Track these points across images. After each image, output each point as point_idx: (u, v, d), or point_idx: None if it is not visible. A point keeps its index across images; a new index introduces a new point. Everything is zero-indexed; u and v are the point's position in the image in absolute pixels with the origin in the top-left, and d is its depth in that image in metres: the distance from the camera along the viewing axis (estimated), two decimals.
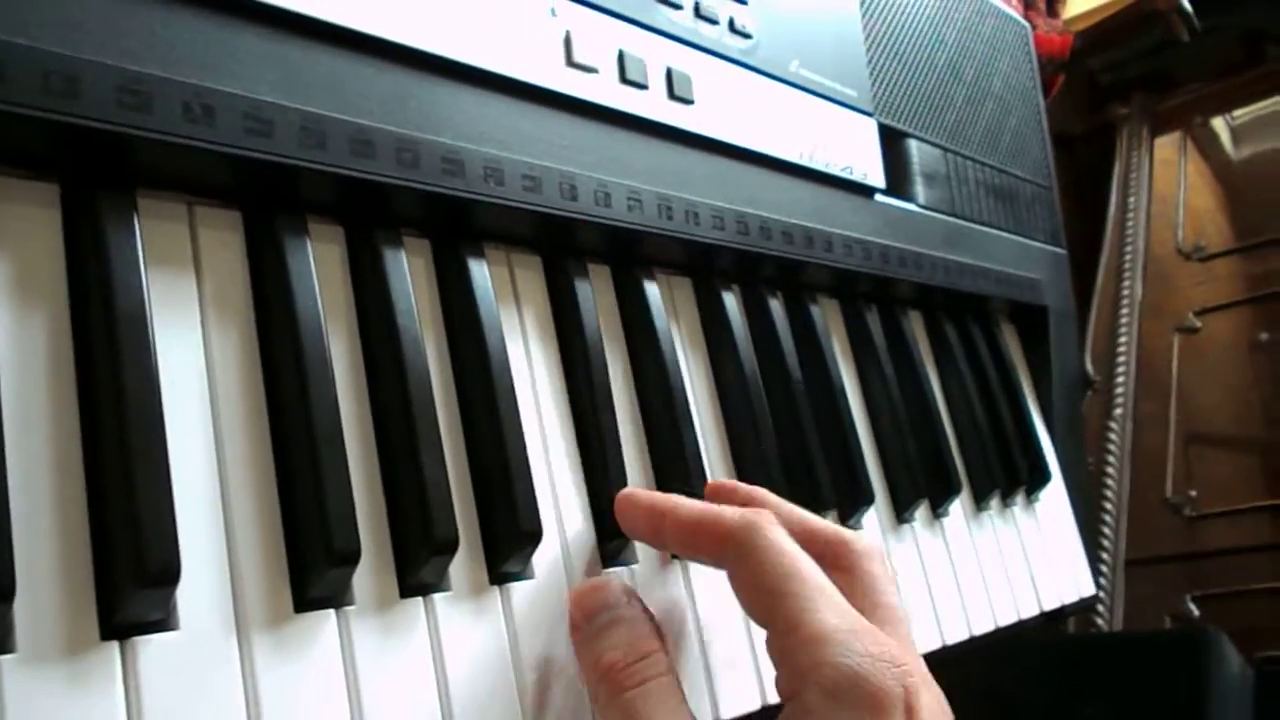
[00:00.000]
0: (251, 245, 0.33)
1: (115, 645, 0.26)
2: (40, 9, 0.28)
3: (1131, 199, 2.17)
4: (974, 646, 0.54)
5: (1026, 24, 0.82)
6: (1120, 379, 2.00)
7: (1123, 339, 2.03)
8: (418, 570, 0.32)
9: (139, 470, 0.26)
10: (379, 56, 0.35)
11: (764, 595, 0.33)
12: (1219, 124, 2.20)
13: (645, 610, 0.36)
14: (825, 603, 0.32)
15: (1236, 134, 2.20)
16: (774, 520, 0.35)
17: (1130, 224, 2.14)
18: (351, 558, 0.30)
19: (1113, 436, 1.96)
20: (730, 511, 0.36)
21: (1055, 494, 0.67)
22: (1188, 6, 1.34)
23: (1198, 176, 2.15)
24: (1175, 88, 2.20)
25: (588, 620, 0.35)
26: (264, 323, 0.32)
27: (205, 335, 0.31)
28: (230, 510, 0.29)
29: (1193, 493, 1.88)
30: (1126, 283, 2.07)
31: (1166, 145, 2.20)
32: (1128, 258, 2.10)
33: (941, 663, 0.49)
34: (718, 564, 0.36)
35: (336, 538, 0.29)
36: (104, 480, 0.27)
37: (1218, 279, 2.03)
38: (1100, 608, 1.86)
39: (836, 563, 0.36)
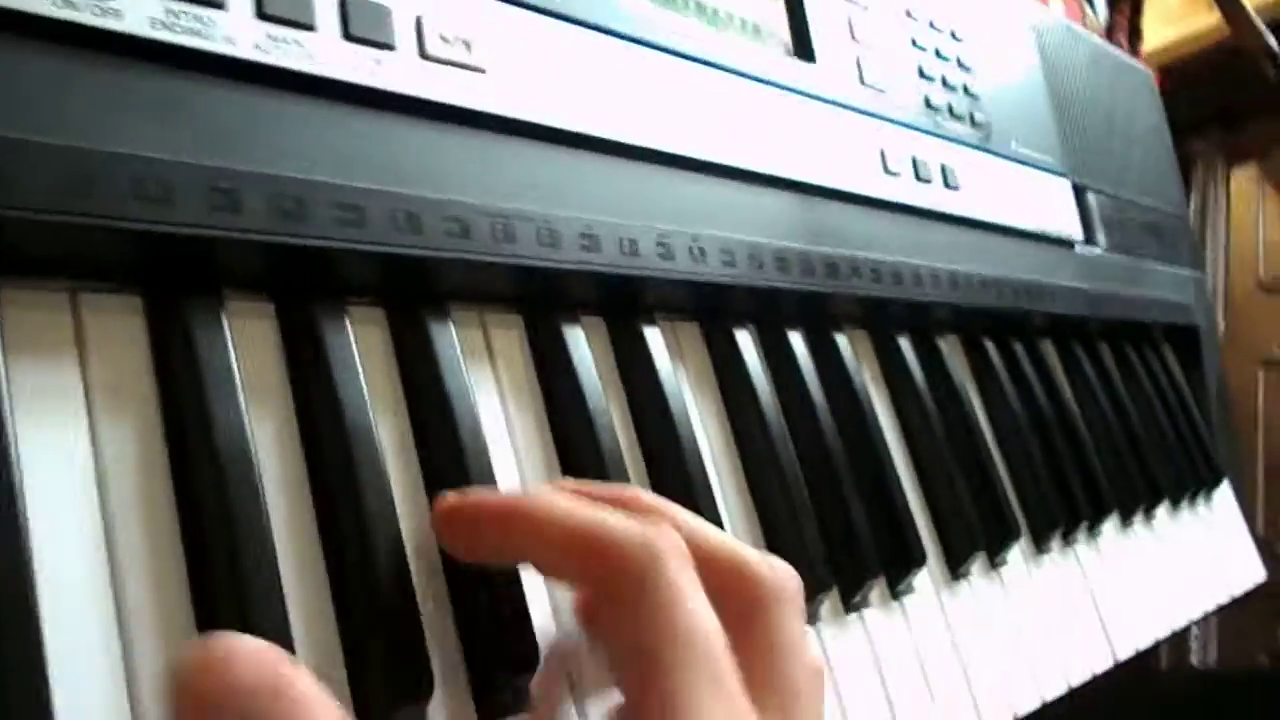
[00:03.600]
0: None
1: None
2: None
3: (1210, 232, 2.28)
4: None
5: (1147, 70, 0.97)
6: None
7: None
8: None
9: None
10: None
11: (640, 658, 0.28)
12: None
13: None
14: (712, 695, 0.27)
15: None
16: (682, 550, 0.30)
17: (1209, 258, 2.25)
18: None
19: (1245, 490, 2.05)
20: (627, 529, 0.29)
21: (1224, 492, 0.81)
22: (1276, 46, 1.47)
23: (1276, 209, 2.25)
24: (1250, 120, 2.31)
25: None
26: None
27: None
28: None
29: None
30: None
31: (1243, 178, 2.30)
32: (1210, 291, 2.21)
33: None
34: (584, 587, 0.33)
35: None
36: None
37: None
38: (1193, 643, 1.97)
39: (740, 605, 0.31)
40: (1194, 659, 1.90)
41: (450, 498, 0.32)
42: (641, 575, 0.28)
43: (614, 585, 0.29)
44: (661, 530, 0.30)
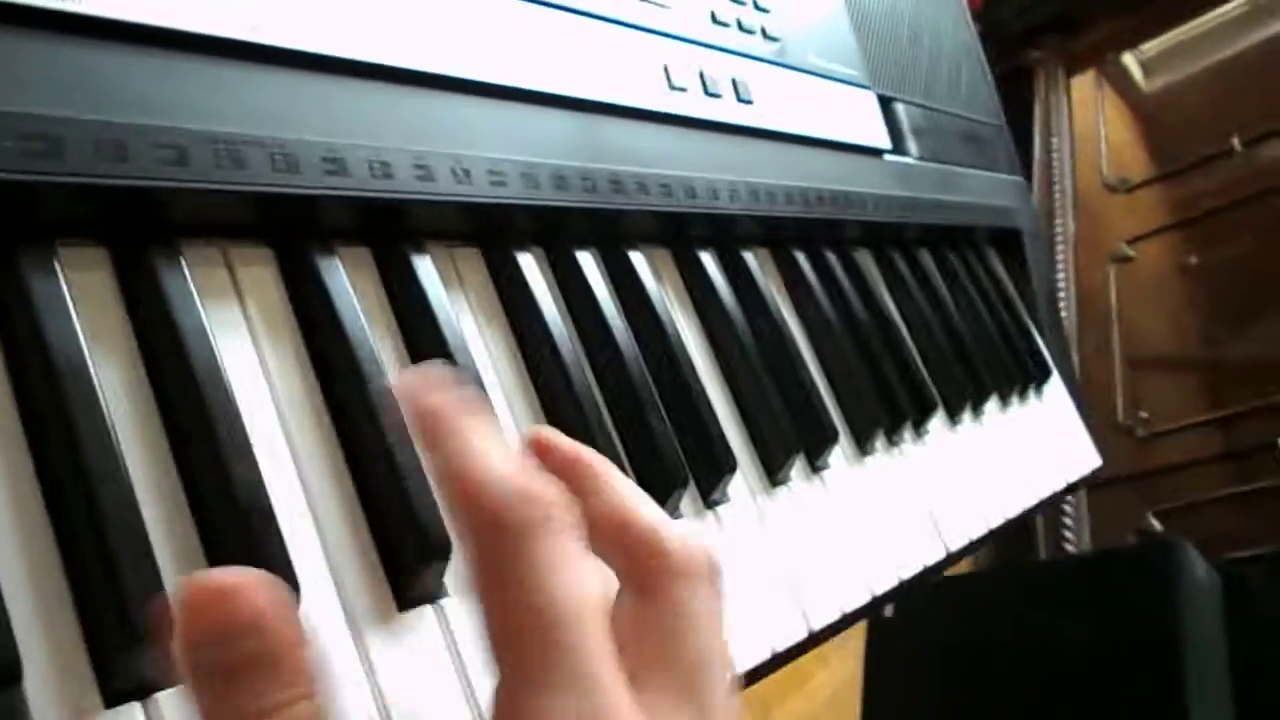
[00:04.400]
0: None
1: None
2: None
3: (1054, 139, 2.35)
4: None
5: None
6: (1062, 314, 2.18)
7: (1061, 274, 2.22)
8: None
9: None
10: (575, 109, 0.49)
11: (505, 634, 0.26)
12: (1129, 59, 2.37)
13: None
14: (568, 691, 0.25)
15: (1147, 67, 2.36)
16: (564, 522, 0.28)
17: (1055, 163, 2.32)
18: None
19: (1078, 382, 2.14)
20: (504, 487, 0.27)
21: (1055, 385, 0.83)
22: None
23: (1115, 112, 2.32)
24: (1082, 29, 2.38)
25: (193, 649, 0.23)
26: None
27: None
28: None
29: (1143, 414, 2.07)
30: (1059, 220, 2.25)
31: (1082, 85, 2.37)
32: (1057, 196, 2.28)
33: (937, 588, 0.61)
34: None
35: None
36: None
37: (1145, 208, 2.21)
38: (1068, 533, 2.05)
39: (641, 582, 0.30)
40: (1069, 546, 1.99)
41: (415, 384, 0.29)
42: (510, 546, 0.27)
43: (484, 555, 0.27)
44: (539, 494, 0.28)
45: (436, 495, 0.36)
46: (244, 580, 0.23)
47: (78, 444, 0.30)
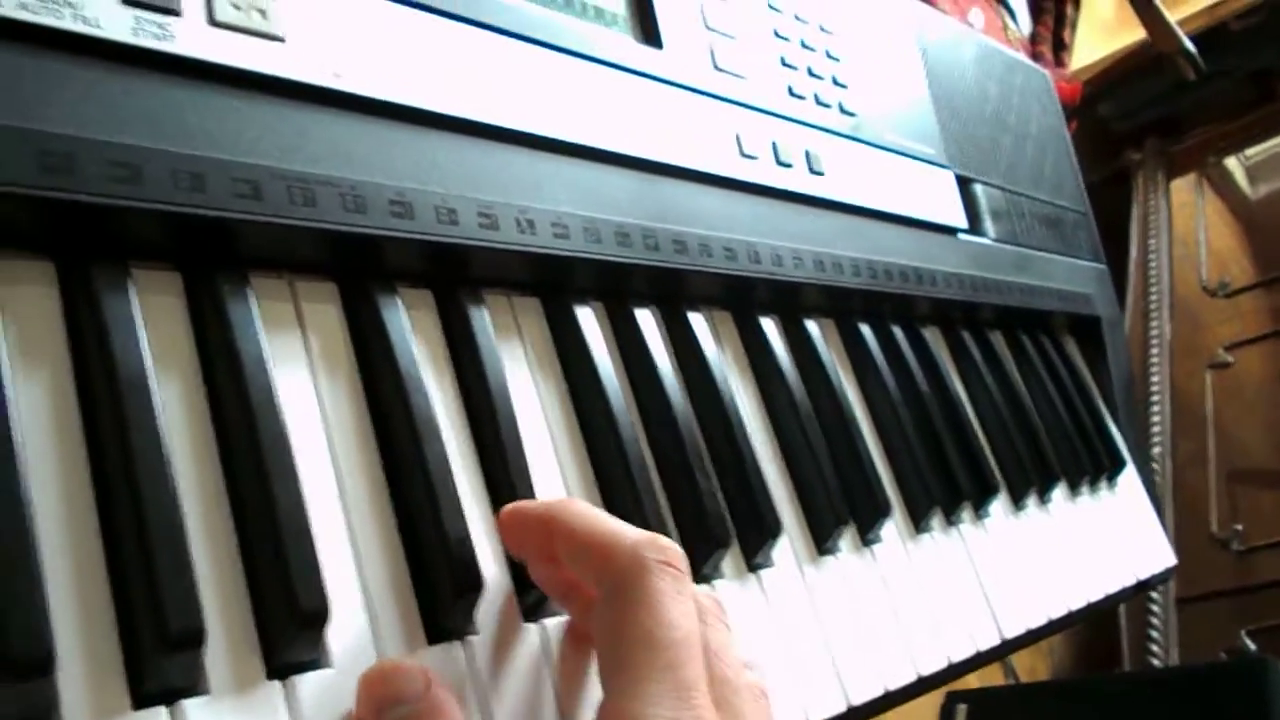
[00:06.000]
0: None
1: None
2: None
3: (1152, 241, 2.30)
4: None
5: (1047, 73, 0.98)
6: (1156, 419, 2.11)
7: (1155, 379, 2.15)
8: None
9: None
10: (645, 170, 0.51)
11: (613, 652, 0.31)
12: (1233, 163, 2.31)
13: (449, 704, 0.32)
14: (661, 690, 0.29)
15: (1251, 172, 2.31)
16: (677, 570, 0.33)
17: (1153, 265, 2.26)
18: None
19: (1154, 478, 2.07)
20: (630, 538, 0.33)
21: (1129, 478, 0.81)
22: (1192, 48, 1.49)
23: (1216, 215, 2.27)
24: (1187, 130, 2.34)
25: (376, 717, 0.31)
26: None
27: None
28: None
29: (1238, 527, 1.98)
30: (1155, 323, 2.19)
31: (1183, 187, 2.32)
32: (1153, 298, 2.22)
33: (1015, 695, 0.60)
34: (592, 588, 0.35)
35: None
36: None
37: (1245, 314, 2.13)
38: (1154, 646, 1.96)
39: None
40: (1155, 661, 1.90)
41: (504, 507, 0.37)
42: (624, 578, 0.32)
43: (606, 587, 0.33)
44: (665, 543, 0.33)
45: (477, 537, 0.38)
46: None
47: (130, 453, 0.31)
